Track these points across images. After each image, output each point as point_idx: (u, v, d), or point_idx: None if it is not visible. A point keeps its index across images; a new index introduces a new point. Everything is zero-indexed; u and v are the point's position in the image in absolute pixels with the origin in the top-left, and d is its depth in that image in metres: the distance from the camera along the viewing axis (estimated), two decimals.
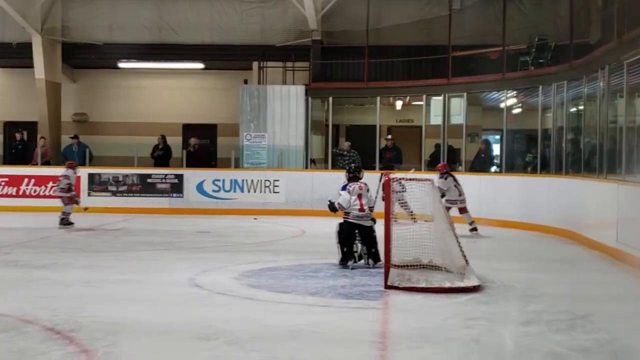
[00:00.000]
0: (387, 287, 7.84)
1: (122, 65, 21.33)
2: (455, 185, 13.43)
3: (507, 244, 12.80)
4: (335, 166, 18.11)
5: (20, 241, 11.96)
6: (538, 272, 9.45)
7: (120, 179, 17.99)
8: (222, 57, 20.42)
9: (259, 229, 14.62)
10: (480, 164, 17.25)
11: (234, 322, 6.28)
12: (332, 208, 9.64)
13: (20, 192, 17.80)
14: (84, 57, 20.97)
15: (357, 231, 9.43)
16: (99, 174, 18.08)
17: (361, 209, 9.38)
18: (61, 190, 14.39)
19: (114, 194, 17.97)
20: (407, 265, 8.19)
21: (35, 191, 17.93)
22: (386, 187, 8.24)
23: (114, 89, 21.81)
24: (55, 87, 20.30)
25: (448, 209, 12.78)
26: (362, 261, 9.44)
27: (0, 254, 10.46)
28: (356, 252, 9.45)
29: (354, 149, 18.17)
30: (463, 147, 17.18)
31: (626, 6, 11.11)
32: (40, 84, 19.72)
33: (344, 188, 9.60)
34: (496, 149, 18.54)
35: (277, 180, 17.63)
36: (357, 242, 9.48)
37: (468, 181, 16.13)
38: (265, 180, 17.67)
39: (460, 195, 13.40)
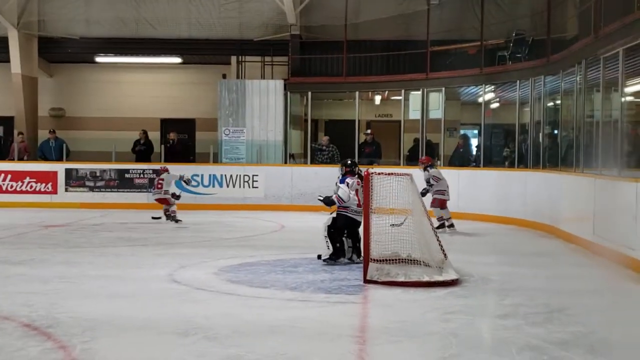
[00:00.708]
0: (366, 281, 7.87)
1: (99, 59, 21.18)
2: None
3: (484, 237, 12.89)
4: (314, 161, 18.13)
5: None
6: (515, 265, 9.52)
7: (98, 174, 17.87)
8: (200, 51, 20.35)
9: (238, 224, 14.60)
10: (459, 158, 17.33)
11: (213, 318, 6.27)
12: (329, 202, 9.47)
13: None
14: (61, 52, 20.80)
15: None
16: (76, 169, 17.94)
17: (359, 205, 9.24)
18: (165, 192, 14.44)
19: (92, 189, 17.84)
20: (386, 260, 8.22)
21: (12, 187, 17.76)
22: (365, 181, 8.26)
23: (91, 84, 21.65)
24: (31, 82, 20.11)
25: (444, 200, 13.30)
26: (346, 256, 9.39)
27: None
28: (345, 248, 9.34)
29: (332, 144, 18.19)
30: (442, 142, 17.24)
31: (603, 1, 11.19)
32: (17, 78, 19.52)
33: (342, 181, 9.49)
34: (474, 144, 18.64)
35: (256, 175, 17.60)
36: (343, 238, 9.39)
37: (446, 176, 16.18)
38: (244, 175, 17.63)
39: (447, 187, 13.51)
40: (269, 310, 6.68)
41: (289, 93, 18.58)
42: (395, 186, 8.45)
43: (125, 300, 7.06)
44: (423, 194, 12.71)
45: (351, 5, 18.64)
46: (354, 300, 7.29)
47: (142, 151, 18.83)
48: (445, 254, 8.27)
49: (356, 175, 9.59)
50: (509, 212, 14.69)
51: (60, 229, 13.44)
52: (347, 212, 9.34)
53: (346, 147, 18.12)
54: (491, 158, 17.13)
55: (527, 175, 14.49)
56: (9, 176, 17.79)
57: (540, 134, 14.54)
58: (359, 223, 9.26)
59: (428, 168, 13.50)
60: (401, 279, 7.79)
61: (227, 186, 17.64)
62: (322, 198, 9.67)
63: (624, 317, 6.80)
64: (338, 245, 9.23)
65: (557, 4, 14.66)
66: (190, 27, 19.96)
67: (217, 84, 18.77)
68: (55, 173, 17.74)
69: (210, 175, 17.69)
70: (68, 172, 17.90)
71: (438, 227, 12.85)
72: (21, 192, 17.71)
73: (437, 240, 8.29)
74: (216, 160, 18.29)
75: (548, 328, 6.04)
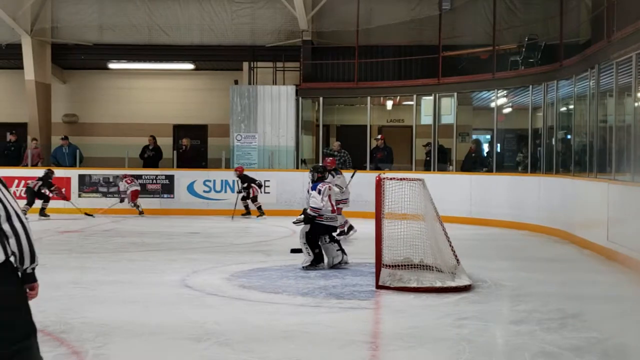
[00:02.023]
0: (379, 287, 7.84)
1: (112, 66, 21.27)
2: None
3: (498, 243, 12.83)
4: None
5: None
6: (529, 271, 9.47)
7: (111, 179, 17.94)
8: (213, 57, 20.42)
9: (250, 230, 14.60)
10: (471, 163, 17.28)
11: (226, 323, 6.26)
12: (308, 219, 9.32)
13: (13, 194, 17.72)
14: (74, 58, 20.90)
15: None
16: (90, 175, 18.02)
17: (333, 210, 9.42)
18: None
19: (105, 195, 17.91)
20: (398, 265, 8.19)
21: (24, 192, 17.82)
22: (377, 186, 8.24)
23: (104, 90, 21.75)
24: (45, 88, 20.22)
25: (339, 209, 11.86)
26: (333, 260, 9.37)
27: None
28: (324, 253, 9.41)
29: (344, 149, 18.19)
30: (454, 147, 17.20)
31: (616, 6, 11.15)
32: (30, 85, 19.64)
33: (314, 188, 9.49)
34: (487, 149, 18.59)
35: (268, 181, 17.61)
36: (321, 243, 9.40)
37: (459, 181, 16.22)
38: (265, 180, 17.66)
39: (349, 193, 12.62)
40: (281, 315, 6.67)
41: (300, 98, 18.60)
42: (407, 191, 8.43)
43: (138, 305, 7.07)
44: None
45: (363, 10, 18.65)
46: (366, 305, 7.27)
47: (150, 157, 18.88)
48: (458, 260, 8.24)
49: (327, 181, 9.67)
50: (522, 217, 14.62)
51: (73, 234, 13.49)
52: (322, 221, 9.36)
53: (358, 152, 18.11)
54: (504, 163, 17.07)
55: (541, 180, 14.43)
56: (22, 182, 17.88)
57: (554, 139, 14.48)
58: (335, 228, 9.52)
59: (332, 172, 12.48)
60: (414, 284, 7.76)
61: (239, 192, 17.64)
62: (300, 219, 9.45)
63: (639, 323, 6.75)
64: (317, 251, 9.28)
65: (570, 9, 14.62)
66: (202, 34, 20.03)
67: (229, 90, 18.80)
68: (68, 179, 17.82)
69: (222, 180, 17.71)
70: (81, 178, 17.99)
71: (340, 234, 11.86)
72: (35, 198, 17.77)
73: (450, 245, 8.26)
74: (228, 165, 18.32)
75: (562, 334, 6.00)
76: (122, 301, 7.26)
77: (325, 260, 9.37)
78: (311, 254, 9.26)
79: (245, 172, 16.86)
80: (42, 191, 16.47)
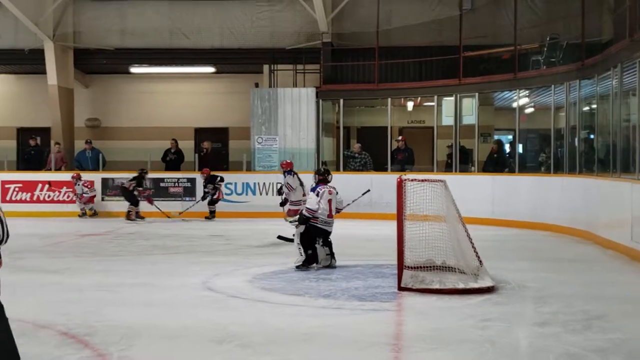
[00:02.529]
0: (401, 288, 7.82)
1: (133, 70, 21.40)
2: (300, 185, 12.71)
3: (520, 244, 12.75)
4: (346, 168, 18.11)
5: (34, 246, 12.01)
6: (552, 272, 9.40)
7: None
8: (233, 60, 20.47)
9: (271, 232, 14.61)
10: (493, 164, 17.19)
11: (248, 325, 6.28)
12: (303, 220, 9.46)
13: (34, 198, 17.89)
14: (96, 63, 21.05)
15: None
16: (112, 179, 18.15)
17: (330, 215, 9.47)
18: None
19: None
20: (421, 267, 8.16)
21: (49, 196, 18.03)
22: (398, 188, 8.21)
23: (126, 94, 21.90)
24: (67, 93, 20.39)
25: (295, 211, 12.03)
26: (321, 263, 9.49)
27: (14, 259, 10.48)
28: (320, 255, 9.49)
29: (365, 151, 18.16)
30: (475, 148, 17.12)
31: (638, 4, 11.04)
32: (53, 90, 19.81)
33: (313, 190, 9.60)
34: (509, 149, 18.48)
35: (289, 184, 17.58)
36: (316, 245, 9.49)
37: (481, 181, 16.15)
38: (277, 183, 17.62)
39: (304, 195, 12.34)
40: (303, 317, 6.67)
41: (321, 101, 18.60)
42: (428, 192, 8.40)
43: (161, 308, 7.11)
44: (281, 203, 12.82)
45: (383, 12, 18.62)
46: (388, 307, 7.25)
47: (172, 160, 18.98)
48: (480, 261, 8.20)
49: (328, 184, 9.68)
50: (545, 218, 14.52)
51: (96, 237, 13.58)
52: (316, 223, 9.42)
53: (378, 153, 18.08)
54: (526, 163, 16.96)
55: (563, 180, 14.32)
56: (47, 186, 18.05)
57: (576, 139, 14.36)
58: (329, 233, 9.51)
59: (285, 174, 12.76)
60: (436, 286, 7.73)
61: (260, 194, 17.69)
62: (295, 219, 9.72)
63: None
64: (310, 252, 9.36)
65: (592, 8, 14.49)
66: (223, 37, 20.11)
67: (249, 93, 18.85)
68: (92, 182, 17.95)
69: (243, 183, 17.77)
70: (104, 181, 18.12)
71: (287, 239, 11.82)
72: (58, 201, 17.96)
73: (472, 246, 8.22)
74: (249, 168, 18.37)
75: (587, 335, 5.96)
76: (145, 304, 7.30)
77: (325, 263, 9.48)
78: (303, 254, 9.39)
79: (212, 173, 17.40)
80: (135, 192, 16.83)
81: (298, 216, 9.67)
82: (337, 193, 9.69)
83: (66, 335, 5.92)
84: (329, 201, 9.48)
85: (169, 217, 17.00)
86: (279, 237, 10.25)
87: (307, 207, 9.48)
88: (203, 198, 17.23)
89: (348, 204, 10.16)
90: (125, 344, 5.68)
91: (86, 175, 18.10)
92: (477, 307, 7.07)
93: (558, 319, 6.54)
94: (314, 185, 9.73)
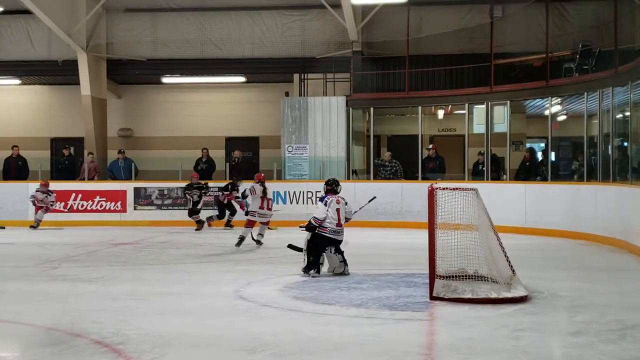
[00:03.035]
0: (433, 298, 7.77)
1: (165, 80, 21.62)
2: (261, 197, 13.21)
3: (554, 253, 12.62)
4: (376, 177, 18.08)
5: (68, 255, 12.16)
6: (586, 281, 9.29)
7: (166, 192, 18.20)
8: (264, 70, 20.61)
9: (302, 241, 14.60)
10: (525, 172, 17.05)
11: (280, 334, 6.29)
12: (311, 228, 9.64)
13: (68, 207, 18.10)
14: (128, 73, 21.33)
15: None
16: (145, 188, 18.32)
17: (338, 224, 9.58)
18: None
19: (159, 207, 18.19)
20: (453, 276, 8.11)
21: (82, 206, 18.23)
22: (429, 197, 8.18)
23: (158, 104, 22.14)
24: (100, 103, 20.65)
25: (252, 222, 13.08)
26: (335, 270, 9.60)
27: (49, 268, 10.64)
28: (321, 263, 9.60)
29: (395, 159, 18.13)
30: (507, 156, 17.00)
31: None
32: (86, 100, 20.08)
33: (321, 200, 9.77)
34: (541, 157, 18.33)
35: (320, 192, 17.54)
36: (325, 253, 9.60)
37: (513, 190, 16.03)
38: (308, 192, 17.70)
39: (260, 208, 13.17)
40: (335, 327, 6.66)
41: (351, 109, 18.62)
42: (460, 201, 8.35)
43: (193, 316, 7.14)
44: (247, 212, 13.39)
45: (413, 20, 18.61)
46: (420, 317, 7.22)
47: (204, 169, 19.10)
48: (513, 270, 8.12)
49: (337, 194, 9.83)
50: (578, 226, 14.36)
51: (129, 246, 13.70)
52: (325, 233, 9.55)
53: (409, 162, 18.03)
54: (559, 172, 16.80)
55: (597, 188, 14.15)
56: (80, 195, 18.26)
57: (610, 147, 14.20)
58: (339, 242, 9.61)
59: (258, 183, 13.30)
60: (468, 295, 7.67)
61: (291, 203, 17.73)
62: (304, 227, 9.90)
63: None
64: (312, 259, 9.48)
65: (624, 14, 14.35)
66: (253, 47, 20.24)
67: (280, 102, 18.93)
68: (124, 192, 18.14)
69: (274, 192, 17.75)
70: (137, 191, 18.29)
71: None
72: (91, 211, 18.16)
73: (505, 255, 8.15)
74: (280, 177, 18.43)
75: (621, 345, 5.87)
76: (178, 312, 7.34)
77: (327, 267, 9.63)
78: (306, 260, 9.55)
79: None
80: (233, 200, 16.66)
81: (307, 223, 9.82)
82: (345, 203, 9.83)
83: (100, 344, 5.97)
84: (337, 210, 9.59)
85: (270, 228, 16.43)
86: (289, 247, 10.30)
87: (314, 217, 9.62)
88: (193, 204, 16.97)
89: (355, 212, 10.23)
90: (157, 352, 5.71)
91: (118, 185, 18.28)
92: (510, 316, 7.01)
93: (592, 329, 6.46)
94: (322, 196, 9.91)
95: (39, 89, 22.46)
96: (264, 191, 13.28)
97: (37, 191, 17.33)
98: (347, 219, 9.83)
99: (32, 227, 17.10)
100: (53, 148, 22.13)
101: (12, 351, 6.16)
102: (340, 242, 9.65)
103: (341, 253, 9.68)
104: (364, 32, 19.50)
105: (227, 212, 17.01)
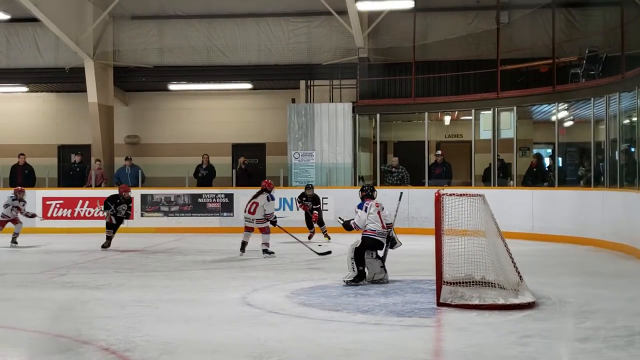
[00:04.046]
0: (440, 304, 7.76)
1: (172, 87, 21.67)
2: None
3: (561, 259, 12.58)
4: (383, 183, 18.07)
5: (75, 262, 12.18)
6: (594, 287, 9.26)
7: (172, 199, 18.23)
8: (270, 76, 20.65)
9: (308, 247, 14.60)
10: (533, 178, 17.02)
11: (287, 341, 6.28)
12: (348, 227, 9.77)
13: (75, 214, 18.14)
14: (135, 80, 21.38)
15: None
16: (152, 195, 18.35)
17: (383, 227, 9.47)
18: None
19: (166, 214, 18.22)
20: (460, 282, 8.09)
21: (89, 213, 18.26)
22: (436, 203, 8.17)
23: (164, 111, 22.18)
24: (107, 110, 20.71)
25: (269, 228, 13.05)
26: (375, 276, 9.47)
27: (56, 275, 10.66)
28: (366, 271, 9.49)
29: (402, 166, 18.12)
30: (514, 162, 16.98)
31: None
32: (93, 107, 20.13)
33: (360, 207, 9.70)
34: (548, 163, 18.29)
35: (326, 198, 17.62)
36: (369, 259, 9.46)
37: (520, 196, 15.99)
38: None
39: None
40: (342, 333, 6.65)
41: (357, 115, 18.63)
42: (467, 207, 8.33)
43: (200, 323, 7.14)
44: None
45: (419, 26, 18.62)
46: (428, 323, 7.20)
47: (204, 176, 19.11)
48: (520, 276, 8.10)
49: (374, 200, 9.74)
50: (585, 232, 14.32)
51: (136, 253, 13.72)
52: (374, 235, 9.44)
53: (416, 168, 18.02)
54: (566, 177, 16.76)
55: (604, 194, 14.11)
56: (87, 202, 18.30)
57: (617, 152, 14.17)
58: (382, 244, 9.50)
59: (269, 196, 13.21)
60: (476, 301, 7.65)
61: (297, 209, 17.69)
62: (342, 221, 9.98)
63: None
64: (361, 268, 9.34)
65: (631, 19, 14.33)
66: (260, 53, 20.28)
67: (286, 109, 18.96)
68: (131, 199, 18.13)
69: (281, 198, 17.80)
70: (143, 197, 18.32)
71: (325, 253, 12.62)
72: (98, 217, 18.15)
73: (512, 261, 8.13)
74: (286, 183, 18.44)
75: (630, 352, 5.85)
76: (184, 319, 7.34)
77: (367, 275, 9.46)
78: (355, 270, 9.35)
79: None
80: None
81: (344, 222, 9.86)
82: (383, 208, 9.66)
83: (107, 350, 5.98)
84: (378, 213, 9.52)
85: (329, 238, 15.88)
86: (319, 253, 10.29)
87: (354, 222, 9.63)
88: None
89: (394, 217, 10.08)
90: (164, 359, 5.71)
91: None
92: (517, 323, 6.98)
93: (600, 335, 6.43)
94: (359, 203, 9.81)
95: (47, 96, 22.53)
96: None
97: (13, 200, 15.22)
98: (388, 225, 9.58)
99: (14, 243, 15.01)
100: (60, 155, 22.20)
101: (20, 358, 6.17)
102: (383, 245, 9.52)
103: (381, 259, 9.57)
104: (370, 38, 19.52)
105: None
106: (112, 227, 14.60)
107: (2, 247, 14.68)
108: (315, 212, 15.72)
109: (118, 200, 14.63)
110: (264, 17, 20.25)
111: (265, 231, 13.03)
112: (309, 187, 16.21)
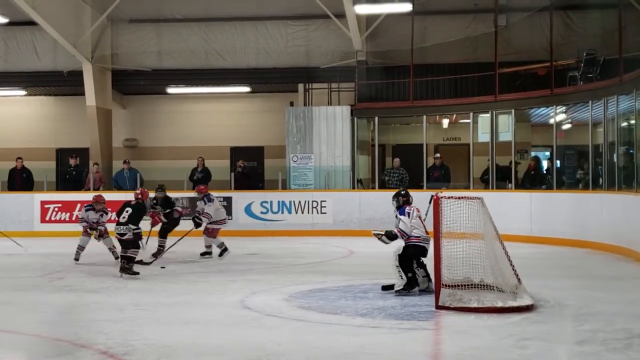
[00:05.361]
0: (438, 307, 7.76)
1: (170, 90, 21.67)
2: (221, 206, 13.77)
3: (559, 262, 12.59)
4: (382, 186, 18.06)
5: (73, 266, 12.16)
6: (592, 290, 9.26)
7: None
8: (268, 80, 20.68)
9: (307, 250, 14.62)
10: (531, 181, 17.03)
11: (285, 344, 6.28)
12: (392, 236, 9.04)
13: (73, 218, 18.09)
14: (134, 84, 21.40)
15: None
16: (150, 198, 18.27)
17: (426, 232, 8.94)
18: None
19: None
20: (458, 285, 8.09)
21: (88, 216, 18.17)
22: (435, 206, 8.17)
23: (163, 114, 22.18)
24: (106, 114, 20.70)
25: (213, 230, 13.39)
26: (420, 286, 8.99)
27: (54, 279, 10.65)
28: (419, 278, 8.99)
29: (402, 167, 18.12)
30: (512, 165, 16.98)
31: None
32: (92, 110, 20.12)
33: (402, 212, 9.07)
34: (546, 166, 18.30)
35: (325, 201, 17.63)
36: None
37: (518, 198, 15.99)
38: (313, 201, 17.68)
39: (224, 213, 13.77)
40: (340, 336, 6.65)
41: (355, 119, 18.62)
42: (465, 210, 8.34)
43: (198, 326, 7.14)
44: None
45: (417, 29, 18.62)
46: (426, 326, 7.20)
47: (199, 179, 19.06)
48: (519, 279, 8.10)
49: (411, 204, 9.21)
50: (583, 235, 14.31)
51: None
52: (418, 242, 8.91)
53: (414, 171, 18.01)
54: (564, 180, 16.76)
55: (603, 197, 14.12)
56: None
57: (615, 155, 14.17)
58: (427, 251, 8.93)
59: (205, 199, 13.56)
60: (474, 304, 7.66)
61: (296, 212, 17.72)
62: (382, 233, 9.15)
63: None
64: (410, 275, 8.84)
65: (629, 22, 14.35)
66: (258, 57, 20.30)
67: (284, 112, 18.95)
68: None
69: (279, 201, 17.80)
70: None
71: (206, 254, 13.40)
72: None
73: (511, 264, 8.13)
74: (285, 186, 18.42)
75: (628, 354, 5.85)
76: (182, 322, 7.33)
77: (422, 286, 8.96)
78: (404, 277, 8.81)
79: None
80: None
81: (384, 231, 9.11)
82: (418, 210, 9.17)
83: (105, 354, 5.97)
84: (420, 218, 9.05)
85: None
86: (384, 288, 9.45)
87: (400, 229, 8.93)
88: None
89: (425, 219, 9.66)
90: None
91: (123, 195, 18.26)
92: (516, 325, 6.99)
93: (598, 338, 6.43)
94: (400, 209, 9.16)
95: (45, 99, 22.53)
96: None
97: (87, 210, 13.26)
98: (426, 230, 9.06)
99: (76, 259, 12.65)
100: (58, 159, 22.17)
101: None
102: (427, 251, 8.89)
103: (424, 267, 9.05)
104: (369, 41, 19.54)
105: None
106: (164, 233, 13.56)
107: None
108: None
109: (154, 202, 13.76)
110: (262, 20, 20.27)
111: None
112: (159, 189, 14.19)
